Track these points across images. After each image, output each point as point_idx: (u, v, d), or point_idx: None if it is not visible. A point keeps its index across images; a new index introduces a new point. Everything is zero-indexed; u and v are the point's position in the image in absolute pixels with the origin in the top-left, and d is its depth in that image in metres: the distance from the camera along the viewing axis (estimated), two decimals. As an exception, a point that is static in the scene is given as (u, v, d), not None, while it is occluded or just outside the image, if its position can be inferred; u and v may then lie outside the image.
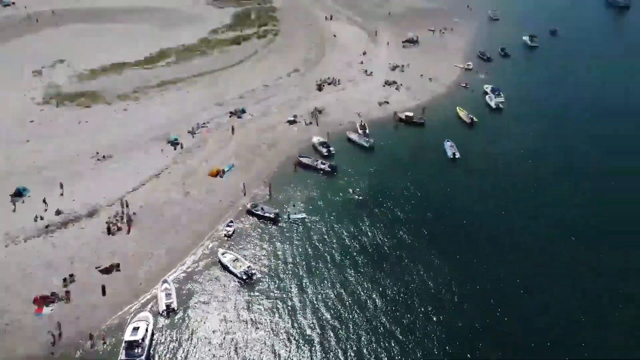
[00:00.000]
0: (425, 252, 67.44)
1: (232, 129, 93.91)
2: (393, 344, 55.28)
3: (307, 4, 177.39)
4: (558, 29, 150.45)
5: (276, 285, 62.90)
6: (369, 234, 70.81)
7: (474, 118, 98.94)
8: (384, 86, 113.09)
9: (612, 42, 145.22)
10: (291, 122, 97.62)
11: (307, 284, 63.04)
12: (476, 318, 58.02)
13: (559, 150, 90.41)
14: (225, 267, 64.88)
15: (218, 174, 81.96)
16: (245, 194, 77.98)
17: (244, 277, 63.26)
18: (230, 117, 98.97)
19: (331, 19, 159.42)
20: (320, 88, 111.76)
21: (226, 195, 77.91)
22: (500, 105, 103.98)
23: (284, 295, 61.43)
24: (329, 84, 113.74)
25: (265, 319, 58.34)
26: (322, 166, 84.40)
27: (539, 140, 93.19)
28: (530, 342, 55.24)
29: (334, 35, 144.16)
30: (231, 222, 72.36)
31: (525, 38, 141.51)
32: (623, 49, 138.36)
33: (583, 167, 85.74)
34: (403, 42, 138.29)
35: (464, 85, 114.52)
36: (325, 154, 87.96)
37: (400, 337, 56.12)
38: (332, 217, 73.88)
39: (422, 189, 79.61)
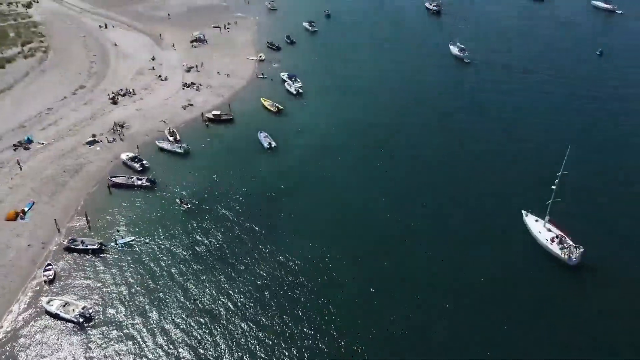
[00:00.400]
0: (261, 246, 67.62)
1: (19, 163, 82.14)
2: (255, 344, 54.88)
3: (73, 14, 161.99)
4: (330, 12, 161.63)
5: (119, 319, 57.41)
6: (205, 241, 68.41)
7: (279, 106, 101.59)
8: (183, 89, 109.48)
9: (371, 17, 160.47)
10: (91, 143, 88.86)
11: (152, 307, 58.86)
12: (326, 300, 60.66)
13: (359, 123, 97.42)
14: (55, 316, 57.06)
15: (17, 216, 71.18)
16: (59, 230, 69.18)
17: (81, 320, 56.43)
18: (14, 150, 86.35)
19: (106, 27, 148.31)
20: (114, 101, 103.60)
21: (34, 237, 68.14)
22: (300, 90, 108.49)
23: (130, 328, 56.39)
24: (124, 95, 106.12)
25: (116, 357, 52.97)
26: (139, 182, 78.72)
27: (339, 119, 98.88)
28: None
29: (115, 44, 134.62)
30: (49, 265, 63.58)
31: (305, 24, 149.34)
32: (381, 21, 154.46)
33: (383, 136, 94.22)
34: (191, 42, 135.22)
35: (261, 75, 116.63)
36: (139, 168, 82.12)
37: (260, 334, 55.87)
38: (162, 233, 69.61)
39: (246, 184, 79.38)
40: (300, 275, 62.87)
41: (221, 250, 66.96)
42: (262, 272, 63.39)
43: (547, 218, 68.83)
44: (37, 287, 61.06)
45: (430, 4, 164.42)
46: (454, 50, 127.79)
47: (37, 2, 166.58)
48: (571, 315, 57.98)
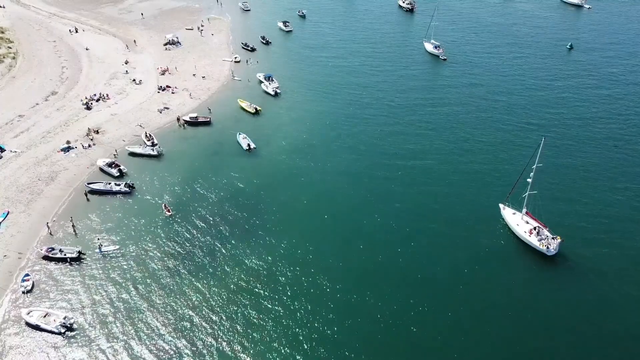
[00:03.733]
0: (248, 249, 67.55)
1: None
2: (245, 349, 54.79)
3: (41, 19, 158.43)
4: (305, 12, 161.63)
5: (102, 328, 56.72)
6: (188, 247, 67.86)
7: (257, 107, 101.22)
8: (158, 92, 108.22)
9: (344, 16, 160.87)
10: (66, 150, 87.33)
11: (135, 316, 58.27)
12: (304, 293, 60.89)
13: (337, 122, 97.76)
14: (35, 327, 56.04)
15: (-8, 226, 69.78)
16: (51, 233, 69.11)
17: (63, 331, 55.57)
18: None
19: (77, 31, 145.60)
20: (88, 106, 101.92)
21: (10, 247, 66.72)
22: (278, 91, 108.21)
23: (113, 337, 55.79)
24: (98, 100, 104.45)
25: (103, 367, 52.48)
26: (118, 188, 77.63)
27: (318, 118, 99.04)
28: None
29: (87, 49, 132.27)
30: (27, 275, 62.42)
31: (280, 24, 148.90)
32: (355, 21, 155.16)
33: (362, 134, 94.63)
34: (164, 44, 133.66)
35: (237, 78, 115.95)
36: (117, 174, 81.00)
37: (252, 339, 55.86)
38: (144, 239, 68.89)
39: (227, 188, 79.03)
40: (289, 276, 62.94)
41: (205, 256, 66.46)
42: (250, 277, 63.19)
43: (524, 210, 70.15)
44: (16, 299, 59.88)
45: (404, 2, 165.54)
46: (429, 47, 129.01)
47: (3, 7, 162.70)
48: (550, 304, 59.23)
